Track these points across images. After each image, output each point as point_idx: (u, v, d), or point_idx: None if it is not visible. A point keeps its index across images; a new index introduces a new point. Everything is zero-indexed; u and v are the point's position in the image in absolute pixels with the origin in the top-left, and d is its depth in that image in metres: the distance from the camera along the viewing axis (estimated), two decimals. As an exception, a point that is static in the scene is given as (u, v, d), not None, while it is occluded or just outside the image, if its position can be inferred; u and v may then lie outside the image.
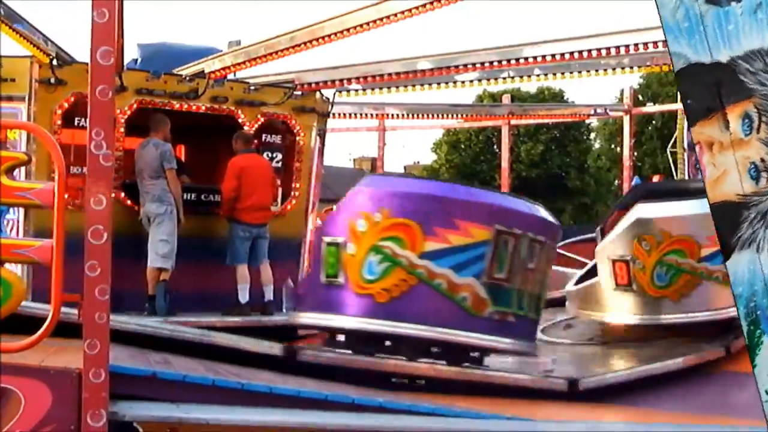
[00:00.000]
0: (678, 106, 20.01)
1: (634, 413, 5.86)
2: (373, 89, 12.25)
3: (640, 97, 33.66)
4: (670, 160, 19.73)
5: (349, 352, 6.15)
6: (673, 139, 19.83)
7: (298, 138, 10.41)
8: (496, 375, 6.14)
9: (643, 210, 8.23)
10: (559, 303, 9.14)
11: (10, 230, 8.38)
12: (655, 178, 22.30)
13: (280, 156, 10.53)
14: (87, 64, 3.64)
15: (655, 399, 6.27)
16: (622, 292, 8.31)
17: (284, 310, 9.34)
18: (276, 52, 10.04)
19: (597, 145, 44.58)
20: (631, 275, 8.22)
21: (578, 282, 8.97)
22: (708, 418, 5.35)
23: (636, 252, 8.18)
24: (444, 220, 6.13)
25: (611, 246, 8.36)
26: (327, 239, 6.24)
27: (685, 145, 18.74)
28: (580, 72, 11.43)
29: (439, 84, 11.97)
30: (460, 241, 6.09)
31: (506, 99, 20.58)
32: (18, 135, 8.57)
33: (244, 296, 9.25)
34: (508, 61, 10.33)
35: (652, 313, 8.23)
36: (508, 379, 6.07)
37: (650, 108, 26.81)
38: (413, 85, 12.11)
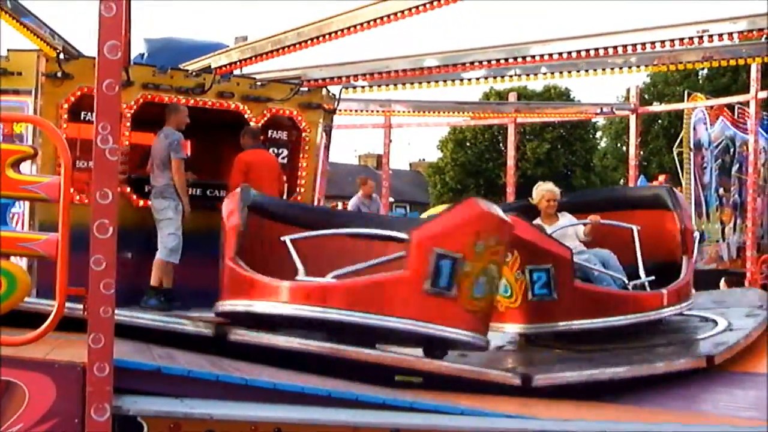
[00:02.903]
0: (684, 105, 20.02)
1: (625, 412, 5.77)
2: (379, 86, 12.24)
3: (646, 96, 33.62)
4: (676, 160, 19.71)
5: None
6: (679, 139, 19.80)
7: (304, 134, 10.40)
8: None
9: None
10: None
11: (16, 224, 8.39)
12: (661, 178, 22.30)
13: (286, 152, 10.51)
14: (94, 58, 3.65)
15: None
16: None
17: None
18: (283, 48, 10.01)
19: (603, 144, 44.59)
20: None
21: None
22: (706, 417, 5.33)
23: None
24: None
25: None
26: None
27: (691, 145, 18.73)
28: (586, 70, 11.39)
29: (445, 81, 11.95)
30: None
31: (512, 97, 20.53)
32: (24, 129, 8.58)
33: (249, 291, 9.21)
34: (515, 58, 10.31)
35: None
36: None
37: (656, 107, 26.76)
38: (419, 82, 12.09)
